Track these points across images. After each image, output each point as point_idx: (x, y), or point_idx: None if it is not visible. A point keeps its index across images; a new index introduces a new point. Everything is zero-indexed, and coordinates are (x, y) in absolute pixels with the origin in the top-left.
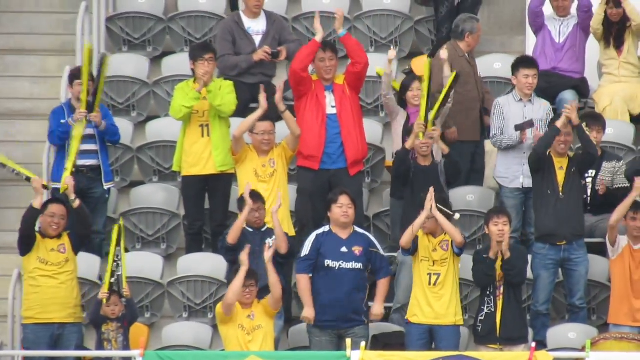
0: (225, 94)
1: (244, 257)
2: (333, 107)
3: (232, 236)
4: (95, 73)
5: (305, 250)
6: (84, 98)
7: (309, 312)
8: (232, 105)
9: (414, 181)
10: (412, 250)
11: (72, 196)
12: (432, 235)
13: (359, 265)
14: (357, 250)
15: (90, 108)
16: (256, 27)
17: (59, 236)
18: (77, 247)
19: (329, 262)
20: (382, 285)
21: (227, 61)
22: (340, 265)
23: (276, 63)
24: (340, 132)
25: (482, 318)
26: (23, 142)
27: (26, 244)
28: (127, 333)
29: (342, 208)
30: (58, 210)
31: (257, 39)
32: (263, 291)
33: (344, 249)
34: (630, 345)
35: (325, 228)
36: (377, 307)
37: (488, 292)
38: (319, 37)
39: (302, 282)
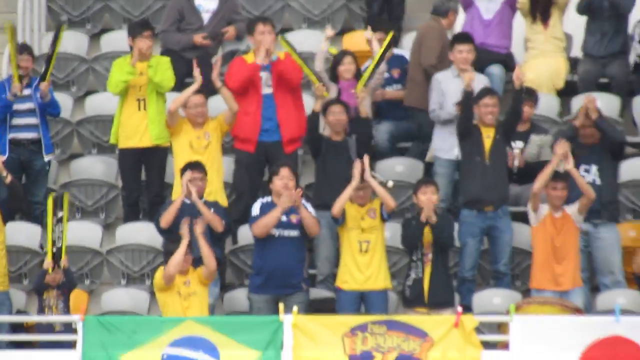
0: (164, 69)
1: (184, 230)
2: (269, 86)
3: (165, 221)
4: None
5: (255, 211)
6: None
7: None
8: (171, 81)
9: (326, 154)
10: (341, 220)
11: (4, 173)
12: (359, 204)
13: (296, 233)
14: (294, 218)
15: (42, 77)
16: (207, 5)
17: None
18: (6, 218)
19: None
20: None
21: (169, 36)
22: (280, 233)
23: (220, 40)
24: (276, 111)
25: (410, 284)
26: None
27: None
28: (67, 300)
29: (283, 180)
30: None
31: (206, 17)
32: (197, 261)
33: (283, 218)
34: (552, 308)
35: (268, 198)
36: None
37: (416, 259)
38: (259, 60)
39: (265, 219)
